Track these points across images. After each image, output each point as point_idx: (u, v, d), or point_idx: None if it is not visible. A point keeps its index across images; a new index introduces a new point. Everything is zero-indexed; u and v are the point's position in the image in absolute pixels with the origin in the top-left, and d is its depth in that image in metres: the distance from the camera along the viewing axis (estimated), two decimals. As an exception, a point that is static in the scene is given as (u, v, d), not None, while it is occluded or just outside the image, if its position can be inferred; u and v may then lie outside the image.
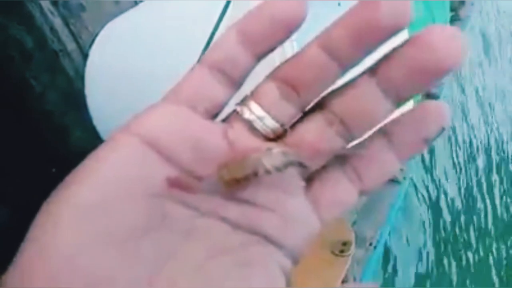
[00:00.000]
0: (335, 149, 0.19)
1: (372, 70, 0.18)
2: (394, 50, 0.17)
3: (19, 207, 0.75)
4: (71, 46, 0.72)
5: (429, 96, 1.63)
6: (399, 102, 0.18)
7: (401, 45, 0.17)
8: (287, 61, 0.18)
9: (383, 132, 0.19)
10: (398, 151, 0.19)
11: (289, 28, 0.17)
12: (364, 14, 0.16)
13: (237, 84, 0.18)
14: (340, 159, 0.20)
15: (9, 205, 0.72)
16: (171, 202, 0.17)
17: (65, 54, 0.73)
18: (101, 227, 0.15)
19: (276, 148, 0.18)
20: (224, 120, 0.19)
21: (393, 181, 1.33)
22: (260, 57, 0.18)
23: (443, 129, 0.19)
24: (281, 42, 0.18)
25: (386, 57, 0.17)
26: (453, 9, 1.84)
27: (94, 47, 0.72)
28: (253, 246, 0.18)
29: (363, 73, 0.18)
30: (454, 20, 1.87)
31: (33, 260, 0.15)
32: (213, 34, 0.53)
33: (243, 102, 0.19)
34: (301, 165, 0.18)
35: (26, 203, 0.78)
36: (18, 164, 0.76)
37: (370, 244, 1.21)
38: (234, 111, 0.19)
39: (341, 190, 0.19)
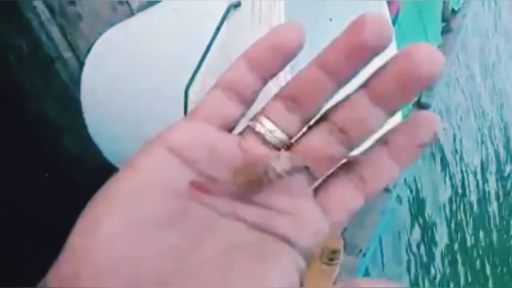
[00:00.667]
0: (337, 156, 0.21)
1: (365, 85, 0.20)
2: (382, 66, 0.20)
3: (14, 209, 0.75)
4: (67, 54, 0.73)
5: (421, 105, 1.65)
6: (391, 112, 0.21)
7: (388, 62, 0.20)
8: (291, 81, 0.21)
9: (383, 141, 0.21)
10: (397, 157, 0.21)
11: (289, 55, 0.20)
12: (352, 37, 0.19)
13: (248, 102, 0.21)
14: (345, 167, 0.22)
15: (4, 207, 0.72)
16: (193, 203, 0.19)
17: (61, 61, 0.74)
18: (133, 220, 0.18)
19: (284, 154, 0.20)
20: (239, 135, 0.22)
21: (384, 189, 1.34)
22: (267, 79, 0.21)
23: (436, 135, 0.21)
24: (283, 66, 0.21)
25: (375, 73, 0.20)
26: (444, 20, 1.86)
27: (90, 55, 0.73)
28: (268, 244, 0.20)
29: (358, 88, 0.21)
30: (446, 31, 1.89)
31: (79, 250, 0.17)
32: (210, 45, 0.54)
33: (255, 118, 0.21)
34: (307, 169, 0.21)
35: (21, 205, 0.78)
36: (12, 167, 0.76)
37: (360, 251, 1.22)
38: (247, 126, 0.22)
39: (347, 196, 0.22)
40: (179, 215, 0.19)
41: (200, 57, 0.54)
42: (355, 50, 0.19)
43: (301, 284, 0.20)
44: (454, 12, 1.99)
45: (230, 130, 0.21)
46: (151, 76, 0.64)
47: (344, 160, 0.22)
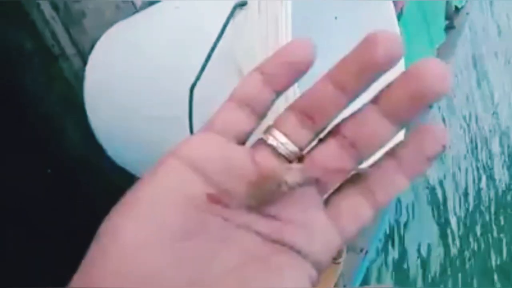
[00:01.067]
0: (347, 168, 0.22)
1: (375, 99, 0.21)
2: (393, 81, 0.20)
3: (17, 210, 0.75)
4: (71, 51, 0.72)
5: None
6: (401, 125, 0.21)
7: (398, 78, 0.20)
8: (303, 94, 0.22)
9: (392, 154, 0.22)
10: (406, 170, 0.22)
11: (301, 70, 0.21)
12: (364, 55, 0.20)
13: (261, 115, 0.22)
14: (355, 180, 0.22)
15: (6, 208, 0.72)
16: (209, 215, 0.20)
17: (65, 58, 0.74)
18: (153, 229, 0.18)
19: (296, 166, 0.21)
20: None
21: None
22: (279, 93, 0.22)
23: (443, 148, 0.21)
24: (296, 81, 0.21)
25: (386, 88, 0.20)
26: (448, 17, 1.86)
27: (93, 53, 0.72)
28: (282, 255, 0.20)
29: (369, 102, 0.21)
30: (449, 28, 1.88)
31: (96, 259, 0.18)
32: (215, 44, 0.54)
33: (267, 130, 0.22)
34: (317, 181, 0.21)
35: (24, 205, 0.78)
36: (15, 167, 0.76)
37: (361, 250, 1.22)
38: (260, 139, 0.22)
39: (357, 208, 0.22)
40: (196, 226, 0.19)
41: (205, 56, 0.53)
42: (367, 67, 0.20)
43: None
44: (457, 9, 1.98)
45: (243, 142, 0.22)
46: (156, 74, 0.64)
47: (353, 173, 0.22)
